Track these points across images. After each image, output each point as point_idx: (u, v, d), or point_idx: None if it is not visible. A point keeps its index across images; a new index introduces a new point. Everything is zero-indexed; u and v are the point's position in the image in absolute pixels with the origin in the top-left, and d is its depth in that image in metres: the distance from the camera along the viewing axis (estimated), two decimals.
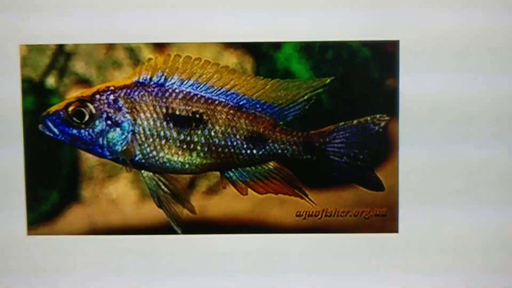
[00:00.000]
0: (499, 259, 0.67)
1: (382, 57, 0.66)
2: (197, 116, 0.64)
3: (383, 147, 0.66)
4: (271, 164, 0.66)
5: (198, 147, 0.64)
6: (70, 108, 0.63)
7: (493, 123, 0.66)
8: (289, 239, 0.67)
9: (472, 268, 0.67)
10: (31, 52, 0.66)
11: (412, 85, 0.66)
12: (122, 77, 0.66)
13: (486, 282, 0.67)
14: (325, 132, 0.65)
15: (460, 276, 0.67)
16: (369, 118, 0.65)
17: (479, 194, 0.66)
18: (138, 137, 0.63)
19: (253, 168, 0.66)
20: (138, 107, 0.63)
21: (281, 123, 0.65)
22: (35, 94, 0.67)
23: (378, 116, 0.65)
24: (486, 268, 0.67)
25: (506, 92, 0.65)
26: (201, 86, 0.64)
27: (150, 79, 0.64)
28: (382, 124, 0.65)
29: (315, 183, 0.66)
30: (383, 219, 0.67)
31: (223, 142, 0.64)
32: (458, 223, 0.66)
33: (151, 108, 0.64)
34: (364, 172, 0.65)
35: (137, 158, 0.64)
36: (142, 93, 0.64)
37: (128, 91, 0.64)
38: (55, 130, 0.63)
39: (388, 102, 0.66)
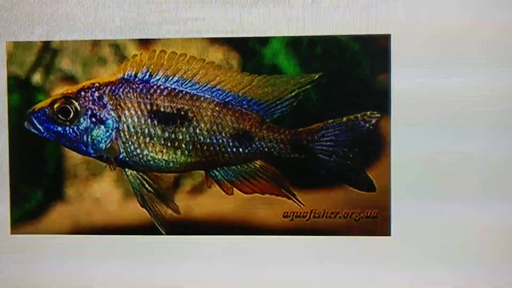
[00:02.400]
0: (492, 259, 0.63)
1: (373, 52, 0.63)
2: (182, 113, 0.62)
3: (374, 145, 0.63)
4: (258, 163, 0.64)
5: (183, 145, 0.62)
6: (56, 105, 0.62)
7: (488, 119, 0.62)
8: (276, 240, 0.65)
9: (468, 273, 0.64)
10: (17, 49, 0.66)
11: (405, 80, 0.63)
12: (107, 73, 0.65)
13: (479, 283, 0.64)
14: (313, 130, 0.63)
15: (454, 279, 0.64)
16: (359, 115, 0.62)
17: (474, 192, 0.63)
18: (122, 134, 0.62)
19: (239, 167, 0.64)
20: (122, 104, 0.62)
21: (268, 120, 0.63)
22: (21, 91, 0.66)
23: (368, 113, 0.62)
24: (480, 269, 0.64)
25: (500, 87, 0.62)
26: (186, 82, 0.63)
27: (135, 75, 0.63)
28: (373, 121, 0.62)
29: (303, 183, 0.64)
30: (375, 221, 0.64)
31: (208, 140, 0.63)
32: (453, 223, 0.63)
33: (136, 105, 0.62)
34: (354, 172, 0.63)
35: (121, 156, 0.63)
36: (126, 90, 0.63)
37: (113, 88, 0.63)
38: (40, 127, 0.62)
39: (380, 99, 0.63)
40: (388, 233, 0.64)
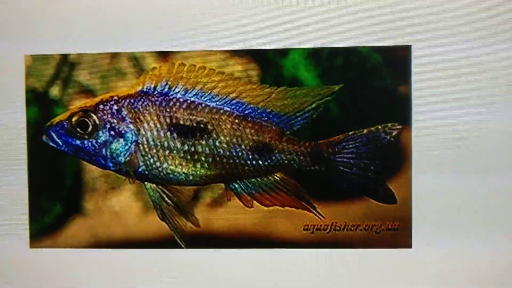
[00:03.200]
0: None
1: (394, 62, 0.63)
2: (202, 125, 0.62)
3: (395, 157, 0.63)
4: (278, 176, 0.63)
5: (202, 158, 0.62)
6: (74, 119, 0.62)
7: (508, 134, 0.62)
8: (296, 253, 0.64)
9: (488, 285, 0.63)
10: (35, 62, 0.66)
11: (425, 92, 0.63)
12: (126, 86, 0.65)
13: None
14: (334, 142, 0.62)
15: None
16: (380, 127, 0.62)
17: (495, 208, 0.63)
18: (141, 147, 0.62)
19: (258, 179, 0.63)
20: (141, 117, 0.62)
21: (288, 132, 0.63)
22: (39, 104, 0.66)
23: (389, 124, 0.62)
24: (500, 285, 0.63)
25: None
26: (206, 95, 0.63)
27: (154, 88, 0.62)
28: (394, 133, 0.62)
29: (323, 196, 0.64)
30: (396, 234, 0.63)
31: (228, 153, 0.62)
32: (476, 238, 0.63)
33: (155, 118, 0.62)
34: (375, 184, 0.62)
35: (140, 170, 0.62)
36: (145, 102, 0.62)
37: (132, 100, 0.62)
38: (59, 141, 0.62)
39: (400, 110, 0.63)
40: (409, 246, 0.63)
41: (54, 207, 0.66)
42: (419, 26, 0.63)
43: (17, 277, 0.66)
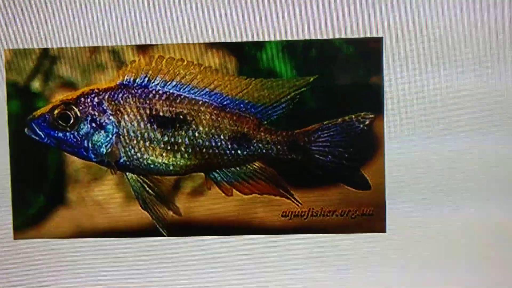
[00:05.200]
0: (487, 255, 0.66)
1: (366, 54, 0.65)
2: (181, 117, 0.64)
3: (369, 145, 0.65)
4: (256, 164, 0.65)
5: (182, 148, 0.64)
6: (56, 111, 0.63)
7: (479, 117, 0.65)
8: (275, 239, 0.66)
9: (463, 267, 0.66)
10: (16, 56, 0.66)
11: (397, 81, 0.65)
12: (106, 79, 0.66)
13: (474, 279, 0.66)
14: (309, 131, 0.64)
15: (450, 277, 0.66)
16: (353, 116, 0.64)
17: (467, 190, 0.65)
18: (122, 139, 0.63)
19: (237, 168, 0.65)
20: (122, 109, 0.64)
21: (265, 122, 0.64)
22: (21, 97, 0.67)
23: (362, 114, 0.64)
24: (474, 266, 0.66)
25: (491, 86, 0.64)
26: (185, 86, 0.64)
27: (134, 81, 0.64)
28: (367, 122, 0.64)
29: (300, 183, 0.66)
30: (370, 219, 0.66)
31: (207, 143, 0.64)
32: (448, 221, 0.65)
33: (135, 109, 0.63)
34: (350, 171, 0.65)
35: (121, 160, 0.64)
36: (126, 95, 0.64)
37: (112, 93, 0.64)
38: (41, 133, 0.63)
39: (373, 100, 0.65)
40: (383, 230, 0.66)
41: (38, 198, 0.67)
42: (390, 19, 0.65)
43: (1, 268, 0.67)
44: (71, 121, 0.63)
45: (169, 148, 0.64)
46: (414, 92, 0.65)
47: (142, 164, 0.64)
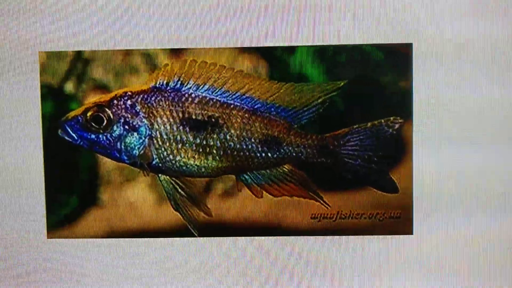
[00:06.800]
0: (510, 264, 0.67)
1: (396, 59, 0.66)
2: (213, 120, 0.65)
3: (397, 149, 0.66)
4: (286, 167, 0.66)
5: (214, 151, 0.65)
6: (89, 114, 0.64)
7: (508, 126, 0.66)
8: (304, 241, 0.68)
9: (487, 271, 0.67)
10: (50, 58, 0.67)
11: (426, 87, 0.66)
12: (139, 82, 0.67)
13: (500, 284, 0.67)
14: (339, 135, 0.65)
15: (475, 279, 0.67)
16: (383, 121, 0.65)
17: (494, 196, 0.66)
18: (155, 141, 0.64)
19: (268, 171, 0.66)
20: (155, 112, 0.65)
21: (295, 126, 0.66)
22: (54, 99, 0.68)
23: (392, 118, 0.65)
24: (500, 271, 0.67)
25: None
26: (217, 90, 0.65)
27: (167, 84, 0.65)
28: (396, 126, 0.65)
29: (329, 186, 0.67)
30: (398, 221, 0.67)
31: (238, 146, 0.65)
32: (473, 225, 0.67)
33: (168, 112, 0.65)
34: (379, 175, 0.66)
35: (154, 162, 0.65)
36: (158, 98, 0.65)
37: (145, 96, 0.65)
38: (74, 135, 0.64)
39: (402, 105, 0.66)
40: (410, 232, 0.67)
41: (71, 199, 0.68)
42: (420, 25, 0.66)
43: (34, 267, 0.68)
44: (104, 123, 0.64)
45: (201, 150, 0.65)
46: (443, 98, 0.66)
47: (175, 166, 0.65)
